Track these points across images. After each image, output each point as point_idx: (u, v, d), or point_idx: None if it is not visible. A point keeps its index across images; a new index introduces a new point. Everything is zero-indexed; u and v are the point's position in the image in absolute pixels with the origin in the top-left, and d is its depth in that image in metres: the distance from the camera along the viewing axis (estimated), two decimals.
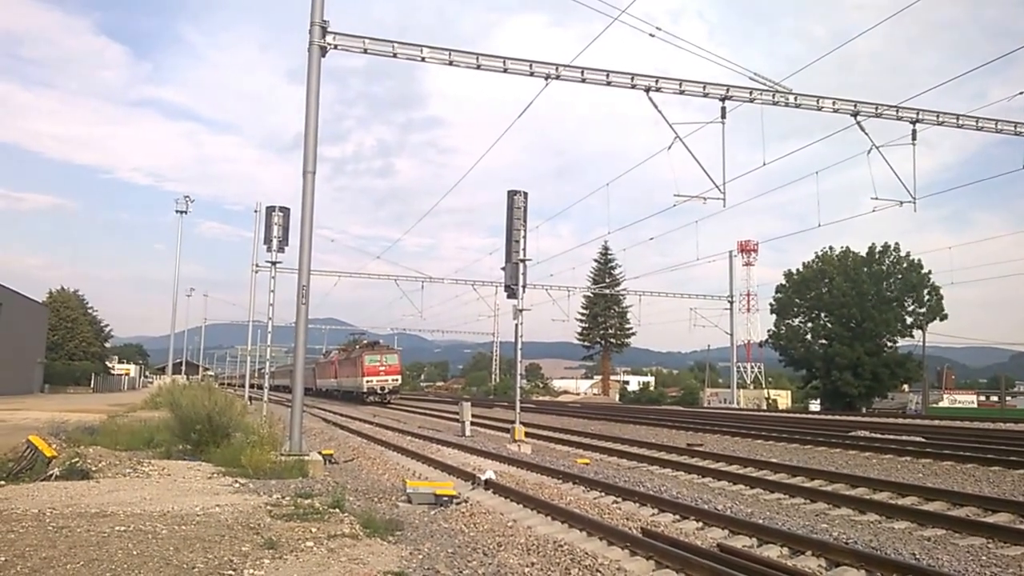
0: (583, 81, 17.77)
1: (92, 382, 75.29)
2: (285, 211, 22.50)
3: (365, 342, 60.36)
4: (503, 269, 22.17)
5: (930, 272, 62.79)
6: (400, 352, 58.96)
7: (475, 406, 31.27)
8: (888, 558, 7.76)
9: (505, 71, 17.11)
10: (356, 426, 29.08)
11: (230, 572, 6.44)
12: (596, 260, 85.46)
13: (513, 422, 22.11)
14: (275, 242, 22.52)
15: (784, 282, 69.25)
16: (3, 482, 11.23)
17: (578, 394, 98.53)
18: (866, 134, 20.00)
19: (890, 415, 44.42)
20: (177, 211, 52.62)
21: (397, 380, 56.10)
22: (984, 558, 8.19)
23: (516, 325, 22.76)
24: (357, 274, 56.88)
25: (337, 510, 9.45)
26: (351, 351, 60.89)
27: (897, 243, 65.56)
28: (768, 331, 70.69)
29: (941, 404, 64.07)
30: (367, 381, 53.25)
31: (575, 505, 11.09)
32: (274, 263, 23.72)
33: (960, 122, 20.42)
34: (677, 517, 10.35)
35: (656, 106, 18.37)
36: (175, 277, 53.68)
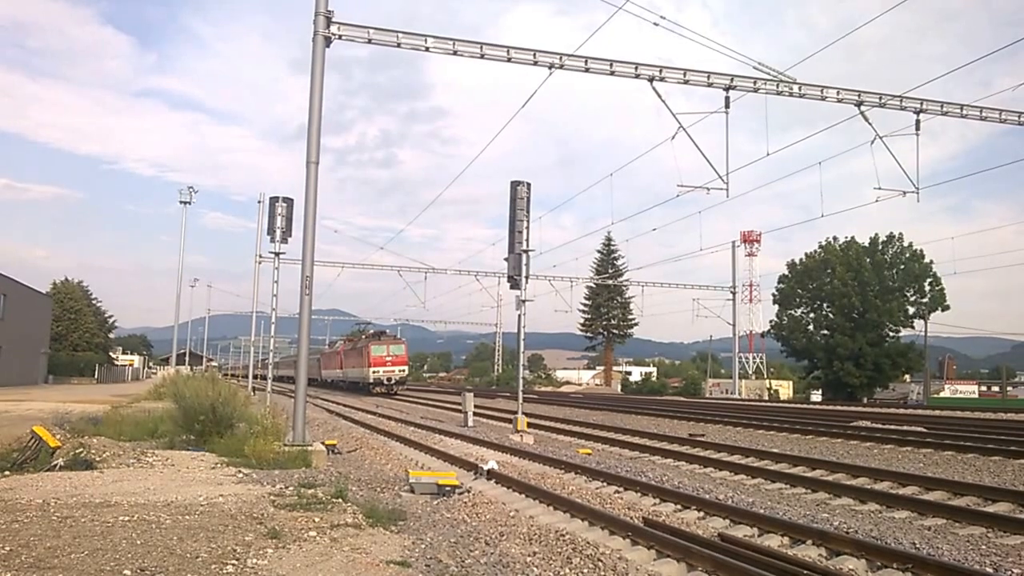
0: (587, 71, 17.70)
1: (96, 373, 75.40)
2: (288, 202, 22.50)
3: (372, 332, 59.55)
4: (506, 260, 22.16)
5: (932, 262, 62.84)
6: (406, 342, 57.93)
7: (477, 397, 31.31)
8: (888, 547, 7.79)
9: (509, 61, 17.07)
10: (359, 416, 29.17)
11: (233, 561, 6.48)
12: (599, 251, 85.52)
13: (515, 412, 22.15)
14: (278, 233, 22.55)
15: (786, 272, 69.28)
16: (8, 472, 11.28)
17: (580, 385, 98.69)
18: (870, 124, 19.93)
19: (891, 405, 44.45)
20: (181, 201, 52.74)
21: (404, 371, 55.09)
22: (984, 547, 8.22)
23: (519, 316, 22.78)
24: (361, 265, 56.86)
25: (340, 500, 9.50)
26: (357, 341, 60.13)
27: (900, 233, 65.55)
28: (770, 321, 70.80)
29: (942, 394, 64.02)
30: (373, 372, 52.38)
31: (577, 495, 11.14)
32: (277, 254, 23.76)
33: (964, 112, 20.34)
34: (678, 507, 10.39)
35: (660, 96, 18.32)
36: (179, 268, 53.85)
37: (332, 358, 68.40)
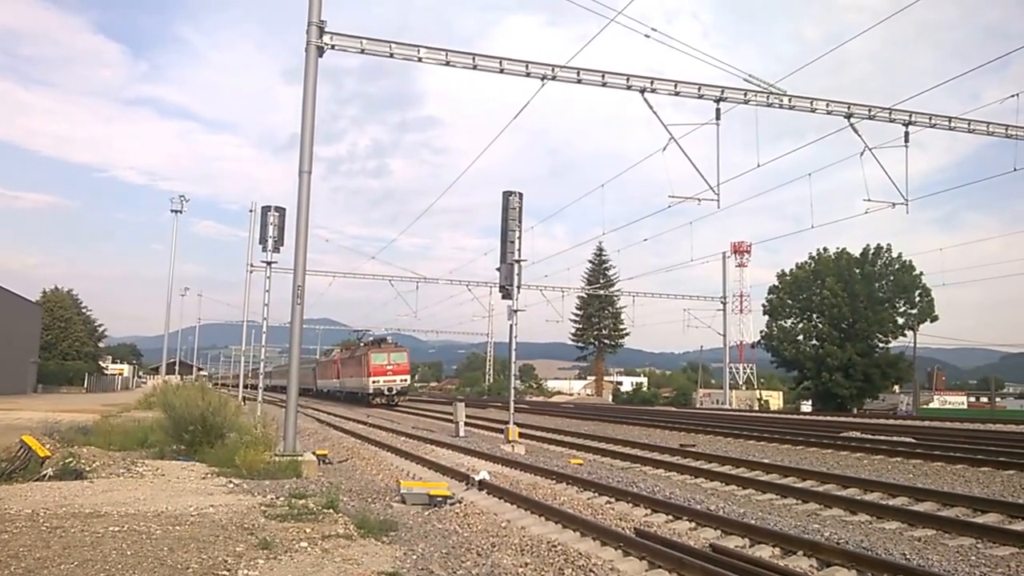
0: (579, 82, 17.82)
1: (85, 382, 75.05)
2: (281, 211, 22.43)
3: (371, 339, 56.71)
4: (498, 270, 22.20)
5: (922, 273, 63.24)
6: (408, 350, 54.66)
7: (469, 406, 31.27)
8: (879, 558, 7.82)
9: (501, 71, 17.16)
10: (350, 426, 29.07)
11: (224, 572, 6.46)
12: (590, 261, 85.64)
13: (507, 423, 22.13)
14: (270, 242, 22.43)
15: (776, 283, 69.58)
16: None
17: (572, 395, 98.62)
18: (859, 136, 20.12)
19: (881, 416, 44.59)
20: (172, 210, 52.46)
21: (406, 380, 52.33)
22: (973, 558, 8.26)
23: (510, 325, 22.79)
24: (352, 274, 56.61)
25: (331, 510, 9.48)
26: (355, 349, 57.55)
27: (889, 244, 66.00)
28: (760, 332, 71.02)
29: (932, 405, 64.39)
30: (373, 381, 49.63)
31: (569, 505, 11.13)
32: (269, 263, 23.66)
33: (952, 124, 20.55)
34: (670, 517, 10.40)
35: (651, 107, 18.45)
36: (170, 276, 53.39)
37: (328, 367, 66.05)
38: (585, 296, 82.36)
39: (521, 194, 21.88)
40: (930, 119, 20.28)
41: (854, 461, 17.52)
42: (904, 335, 64.15)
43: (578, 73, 17.70)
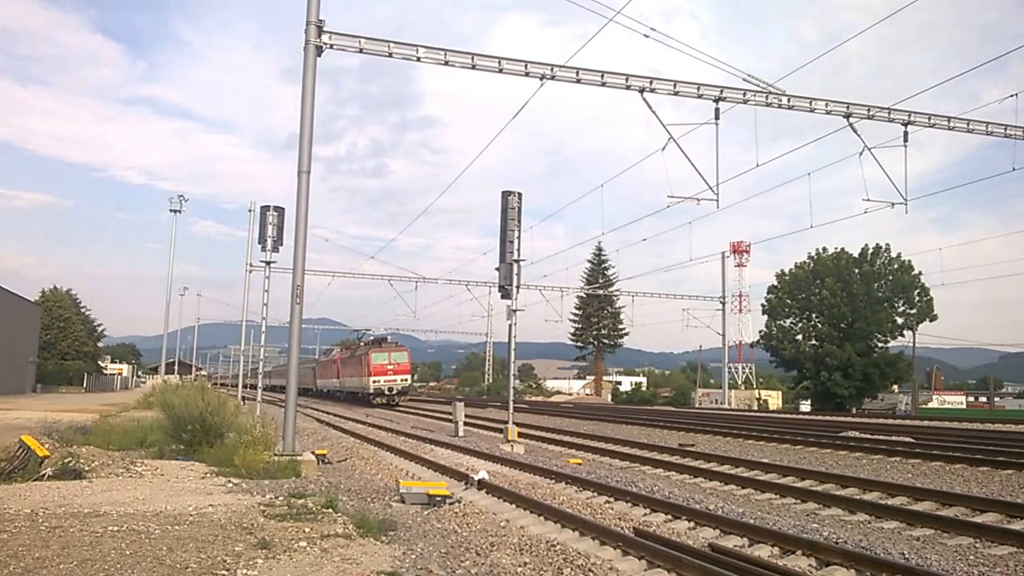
0: (578, 82, 17.81)
1: (84, 382, 75.03)
2: (280, 211, 22.41)
3: (372, 338, 56.56)
4: (497, 269, 22.19)
5: (920, 273, 63.32)
6: (408, 349, 54.33)
7: (468, 406, 31.23)
8: (878, 557, 7.82)
9: (500, 71, 17.15)
10: (349, 426, 29.08)
11: (223, 572, 6.46)
12: (590, 261, 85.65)
13: (506, 422, 22.13)
14: (269, 242, 22.42)
15: (775, 283, 69.63)
16: None
17: (571, 394, 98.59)
18: (858, 136, 20.12)
19: (880, 416, 44.62)
20: (171, 210, 52.40)
21: (407, 380, 52.12)
22: (972, 557, 8.28)
23: (510, 325, 22.78)
24: (351, 274, 56.68)
25: (330, 510, 9.48)
26: (355, 348, 57.48)
27: (888, 244, 66.06)
28: (759, 332, 71.08)
29: (930, 405, 64.35)
30: (374, 381, 49.43)
31: (568, 505, 11.13)
32: (268, 263, 23.66)
33: (951, 124, 20.56)
34: (669, 517, 10.40)
35: (650, 107, 18.45)
36: (169, 276, 53.31)
37: (328, 367, 65.90)
38: (584, 296, 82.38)
39: (520, 194, 21.87)
40: (929, 119, 20.29)
41: (853, 461, 17.53)
42: (903, 335, 64.29)
43: (577, 73, 17.69)
